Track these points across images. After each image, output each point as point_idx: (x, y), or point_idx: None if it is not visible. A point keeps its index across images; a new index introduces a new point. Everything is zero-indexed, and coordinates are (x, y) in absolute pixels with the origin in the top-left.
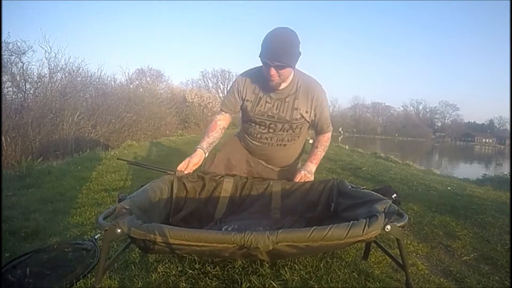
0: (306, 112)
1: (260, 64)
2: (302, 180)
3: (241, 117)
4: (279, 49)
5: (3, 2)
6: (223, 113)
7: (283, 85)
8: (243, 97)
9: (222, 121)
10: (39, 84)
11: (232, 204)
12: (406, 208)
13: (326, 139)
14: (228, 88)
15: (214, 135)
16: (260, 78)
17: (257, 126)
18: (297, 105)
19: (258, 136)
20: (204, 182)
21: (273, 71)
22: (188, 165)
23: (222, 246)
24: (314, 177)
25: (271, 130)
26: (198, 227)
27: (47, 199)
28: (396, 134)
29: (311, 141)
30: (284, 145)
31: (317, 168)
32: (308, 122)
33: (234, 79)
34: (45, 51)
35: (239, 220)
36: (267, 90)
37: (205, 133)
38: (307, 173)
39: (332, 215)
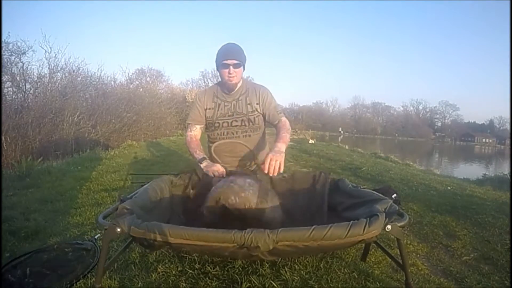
0: (257, 103)
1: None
2: (273, 162)
3: (205, 129)
4: (233, 50)
5: (3, 2)
6: (193, 126)
7: (237, 87)
8: (205, 107)
9: (196, 135)
10: (39, 84)
11: None
12: (406, 208)
13: (283, 123)
14: (191, 104)
15: (201, 149)
16: (216, 89)
17: (222, 127)
18: (249, 101)
19: (225, 133)
20: (203, 179)
21: (231, 70)
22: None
23: (222, 245)
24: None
25: (234, 126)
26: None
27: (47, 199)
28: (396, 134)
29: (311, 141)
30: (249, 135)
31: (317, 169)
32: (261, 113)
33: (194, 96)
34: (45, 51)
35: None
36: (225, 92)
37: (195, 148)
38: (275, 154)
39: (332, 214)
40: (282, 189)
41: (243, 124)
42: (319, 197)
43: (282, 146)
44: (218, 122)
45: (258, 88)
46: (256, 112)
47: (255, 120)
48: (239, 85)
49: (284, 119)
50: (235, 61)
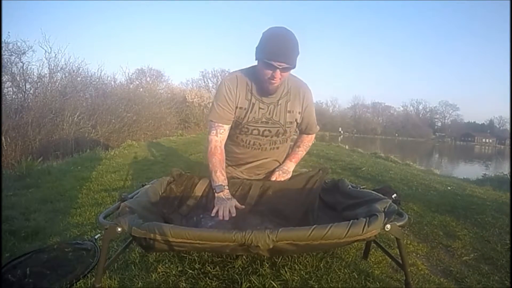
0: (299, 113)
1: (247, 66)
2: (277, 179)
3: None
4: (286, 50)
5: (3, 2)
6: (220, 126)
7: (276, 90)
8: (237, 105)
9: (223, 140)
10: (39, 84)
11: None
12: (406, 208)
13: (310, 139)
14: (216, 94)
15: (224, 167)
16: (250, 82)
17: (250, 134)
18: (290, 108)
19: (251, 143)
20: (203, 180)
21: (277, 74)
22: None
23: (223, 245)
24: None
25: (265, 136)
26: (200, 223)
27: (47, 199)
28: (396, 134)
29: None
30: (277, 148)
31: (317, 168)
32: (298, 122)
33: (220, 84)
34: (45, 51)
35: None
36: (261, 94)
37: (217, 165)
38: (281, 173)
39: (332, 214)
40: (276, 188)
41: (276, 135)
42: (312, 195)
43: (291, 166)
44: (248, 128)
45: (303, 90)
46: (295, 123)
47: (288, 131)
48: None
49: (314, 134)
50: (285, 65)
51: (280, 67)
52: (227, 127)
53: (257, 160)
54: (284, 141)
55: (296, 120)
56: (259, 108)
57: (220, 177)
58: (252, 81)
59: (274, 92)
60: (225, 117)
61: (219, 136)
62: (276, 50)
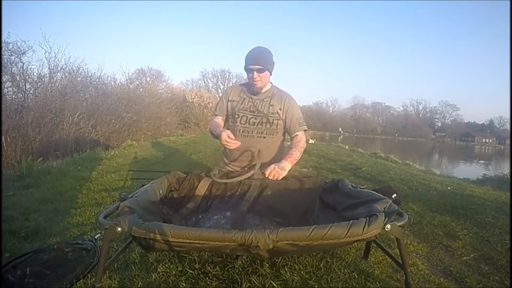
0: (280, 109)
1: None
2: (272, 174)
3: (226, 120)
4: (258, 56)
5: (3, 2)
6: (217, 117)
7: (263, 90)
8: (229, 99)
9: (217, 119)
10: (39, 84)
11: (231, 198)
12: (406, 208)
13: (299, 140)
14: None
15: (221, 126)
16: (244, 87)
17: (240, 121)
18: (273, 103)
19: (241, 130)
20: (201, 180)
21: (255, 74)
22: (230, 136)
23: (223, 245)
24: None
25: (251, 123)
26: (199, 223)
27: (47, 199)
28: (396, 134)
29: (311, 141)
30: (264, 137)
31: (317, 168)
32: (282, 119)
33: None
34: (45, 51)
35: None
36: (251, 93)
37: (215, 127)
38: (277, 168)
39: (332, 214)
40: (275, 188)
41: (260, 122)
42: (312, 195)
43: (287, 165)
44: (238, 114)
45: (284, 96)
46: (277, 115)
47: (274, 122)
48: (266, 89)
49: (301, 134)
50: (258, 67)
51: (255, 68)
52: (220, 117)
53: (248, 146)
54: (270, 133)
55: (278, 114)
56: (248, 101)
57: (219, 130)
58: (245, 85)
59: (259, 91)
60: (219, 109)
61: (215, 117)
62: (251, 57)
